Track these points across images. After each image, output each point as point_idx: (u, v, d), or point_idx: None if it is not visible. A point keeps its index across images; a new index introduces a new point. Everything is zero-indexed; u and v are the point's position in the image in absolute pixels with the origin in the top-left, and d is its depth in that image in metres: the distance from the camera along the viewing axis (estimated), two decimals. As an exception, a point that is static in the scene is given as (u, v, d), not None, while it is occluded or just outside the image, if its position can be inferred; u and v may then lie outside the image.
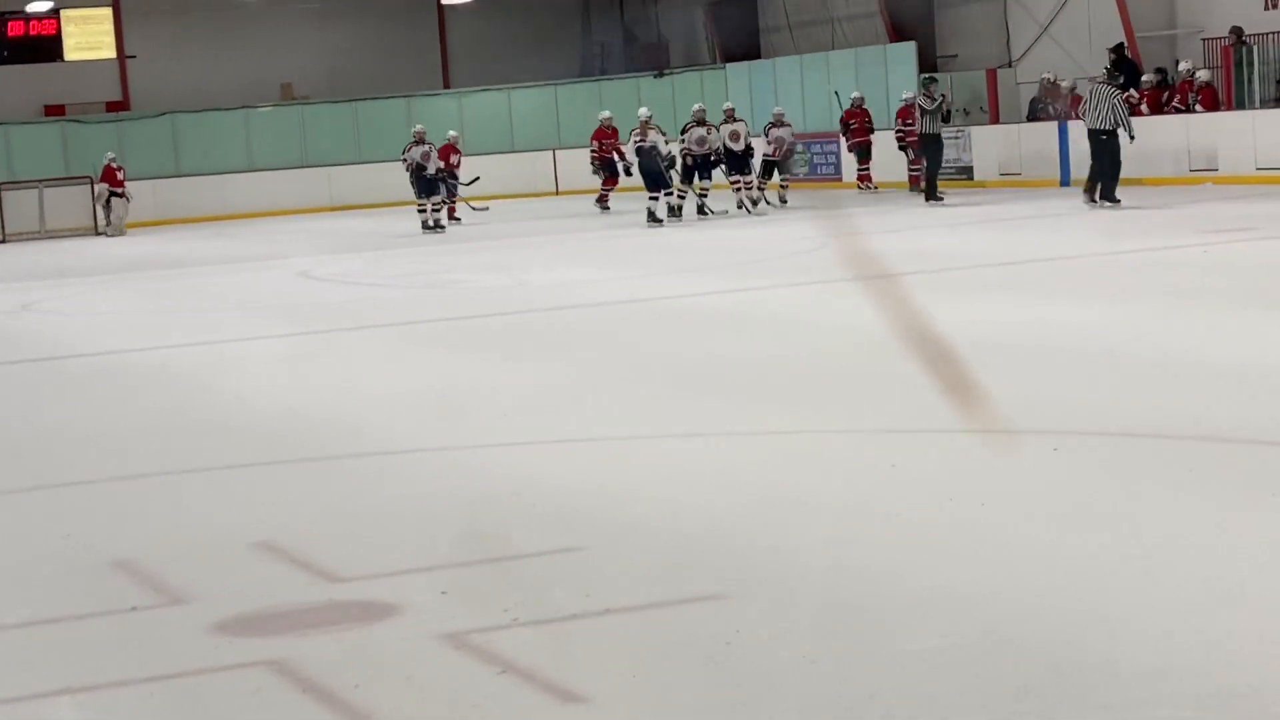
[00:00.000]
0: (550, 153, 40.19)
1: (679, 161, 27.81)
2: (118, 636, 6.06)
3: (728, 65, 40.23)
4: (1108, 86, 24.02)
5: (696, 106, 29.00)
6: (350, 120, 39.90)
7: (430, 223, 28.80)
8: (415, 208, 29.45)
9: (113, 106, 41.09)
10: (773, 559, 6.49)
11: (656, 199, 26.81)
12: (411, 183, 29.42)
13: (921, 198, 28.34)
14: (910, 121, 29.84)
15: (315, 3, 42.58)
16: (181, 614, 6.25)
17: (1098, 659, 5.12)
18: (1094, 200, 23.58)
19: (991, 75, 33.74)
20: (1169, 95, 28.31)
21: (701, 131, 27.79)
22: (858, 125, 32.18)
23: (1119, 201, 23.57)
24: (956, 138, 31.82)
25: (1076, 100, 28.27)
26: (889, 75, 34.44)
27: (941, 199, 27.31)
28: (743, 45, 41.58)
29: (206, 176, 38.30)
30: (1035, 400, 9.55)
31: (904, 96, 30.59)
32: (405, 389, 11.57)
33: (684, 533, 6.97)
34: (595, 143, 32.54)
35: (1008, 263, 17.47)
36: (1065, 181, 29.18)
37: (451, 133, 32.29)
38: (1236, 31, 28.23)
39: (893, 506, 7.21)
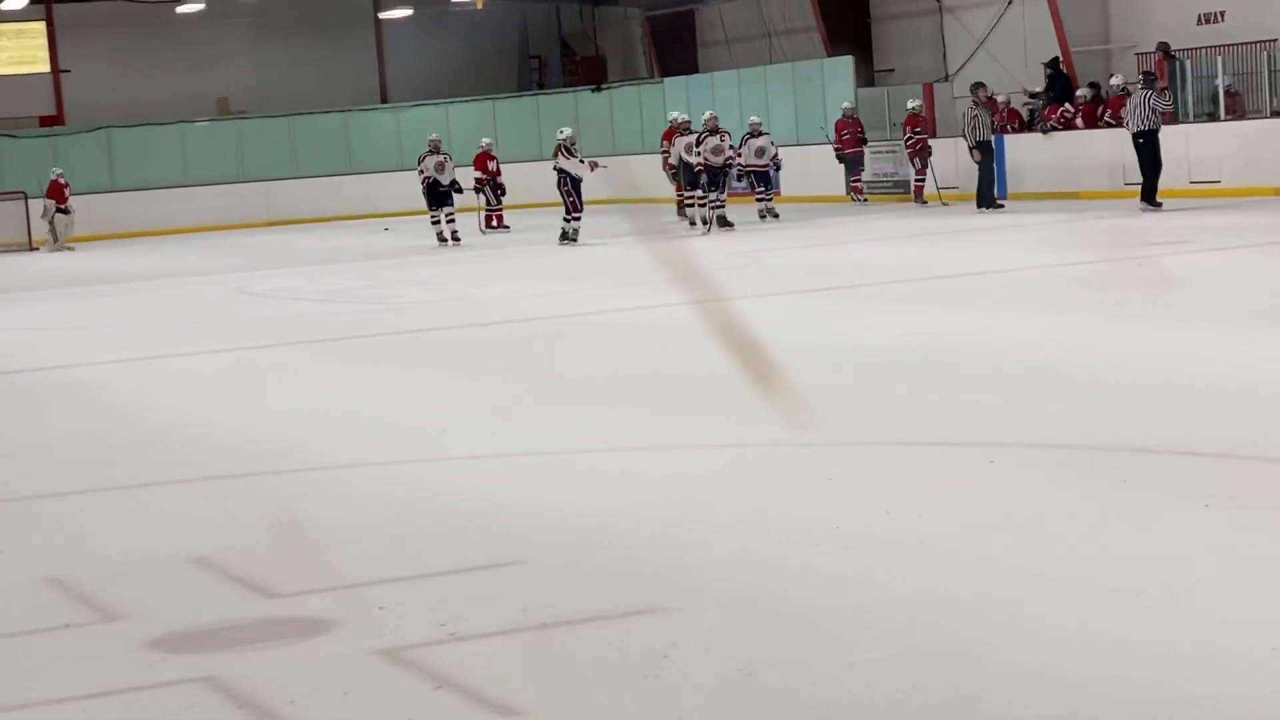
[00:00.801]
0: (488, 167, 40.10)
1: (699, 173, 27.10)
2: (51, 654, 6.01)
3: (666, 80, 40.28)
4: (1142, 90, 24.23)
5: (708, 114, 27.94)
6: (287, 135, 39.77)
7: (445, 235, 27.85)
8: (429, 219, 28.43)
9: (46, 121, 40.86)
10: (710, 572, 6.48)
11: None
12: (424, 194, 28.49)
13: (922, 206, 28.60)
14: (920, 130, 29.74)
15: (252, 18, 42.47)
16: (116, 631, 6.20)
17: (1034, 670, 5.14)
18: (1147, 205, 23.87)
19: (928, 89, 33.88)
20: (1103, 109, 28.49)
21: (716, 140, 27.03)
22: (849, 136, 31.68)
23: (1159, 205, 23.72)
24: (894, 152, 31.95)
25: (1089, 110, 28.25)
26: (826, 89, 34.55)
27: (1002, 206, 26.62)
28: (680, 59, 41.67)
29: (142, 191, 38.10)
30: (972, 413, 9.59)
31: (910, 105, 30.32)
32: (342, 404, 11.52)
33: (621, 546, 6.96)
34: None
35: (944, 276, 17.53)
36: (1002, 195, 29.32)
37: (485, 140, 31.79)
38: (1163, 47, 28.43)
39: (830, 519, 7.22)
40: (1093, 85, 29.40)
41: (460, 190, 28.31)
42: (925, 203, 29.77)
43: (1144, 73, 25.56)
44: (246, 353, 15.02)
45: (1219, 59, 27.76)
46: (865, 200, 31.43)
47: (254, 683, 5.47)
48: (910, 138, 29.86)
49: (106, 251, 32.97)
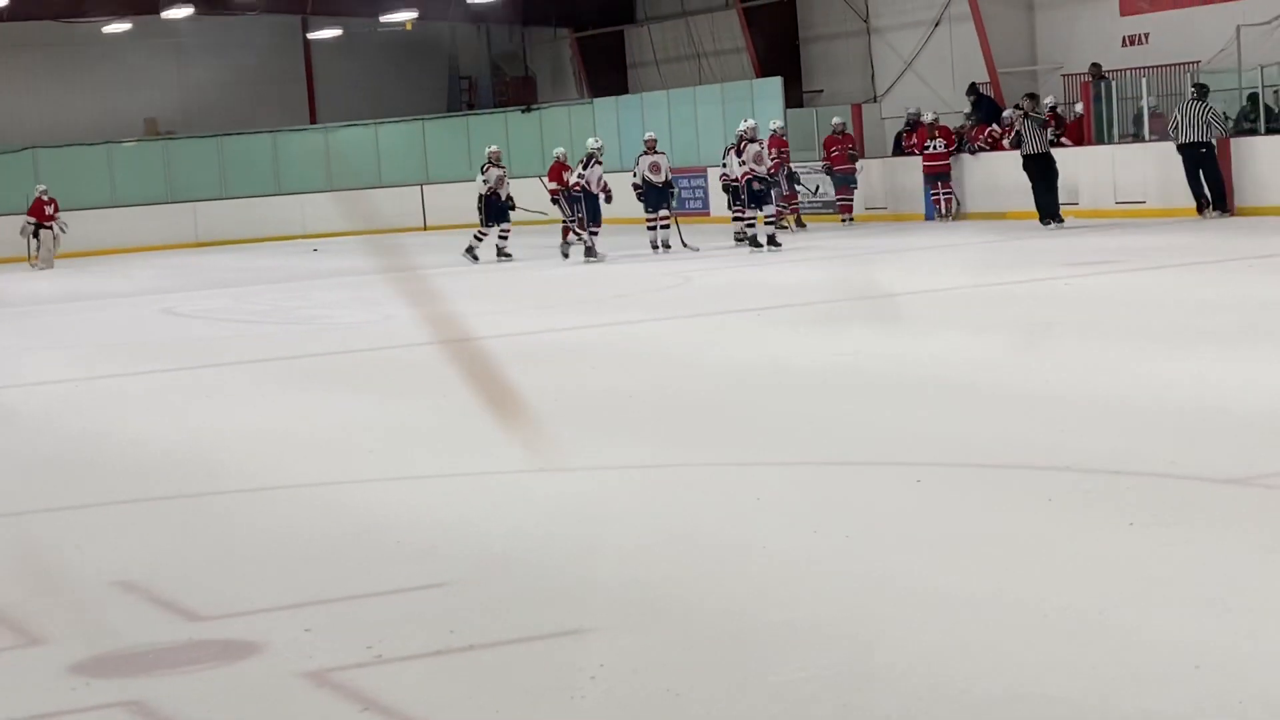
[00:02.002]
0: (418, 188, 40.07)
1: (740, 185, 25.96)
2: (-27, 679, 5.96)
3: (595, 100, 40.33)
4: (1197, 103, 24.44)
5: (750, 123, 26.56)
6: (215, 155, 39.59)
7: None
8: (474, 233, 27.40)
9: (-29, 141, 40.59)
10: (637, 592, 6.48)
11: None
12: (481, 206, 27.37)
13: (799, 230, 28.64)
14: (836, 150, 29.57)
15: (179, 38, 42.26)
16: (39, 655, 6.15)
17: (962, 688, 5.16)
18: (1210, 212, 24.01)
19: (857, 110, 34.04)
20: (744, 145, 28.51)
21: (757, 147, 25.75)
22: (839, 153, 30.93)
23: (1228, 212, 24.04)
24: (823, 173, 32.06)
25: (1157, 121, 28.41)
26: (755, 110, 34.62)
27: (1063, 222, 25.37)
28: (610, 80, 41.73)
29: (69, 212, 37.80)
30: (900, 432, 9.63)
31: (923, 118, 30.20)
32: (269, 425, 11.47)
33: (548, 567, 6.95)
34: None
35: (874, 296, 17.60)
36: (929, 216, 29.50)
37: (559, 150, 31.36)
38: (1095, 69, 28.67)
39: (758, 538, 7.23)
40: (1018, 106, 29.57)
41: (514, 207, 27.52)
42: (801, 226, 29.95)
43: (1197, 84, 25.53)
44: (174, 374, 14.95)
45: (1144, 80, 28.00)
46: (851, 221, 30.63)
47: (179, 706, 5.43)
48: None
49: (33, 272, 32.75)
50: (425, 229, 39.26)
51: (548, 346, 15.00)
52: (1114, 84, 28.79)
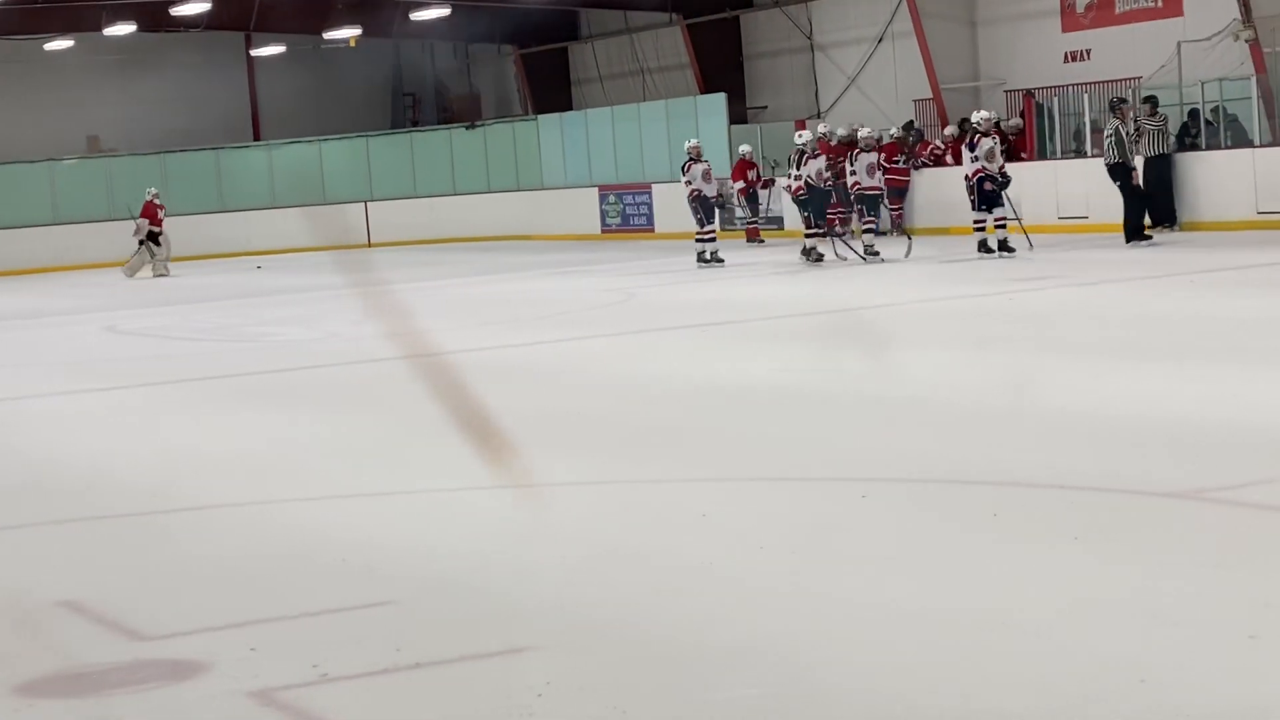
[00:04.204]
0: (362, 205, 39.99)
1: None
2: (-86, 701, 5.90)
3: (540, 116, 40.35)
4: (1158, 116, 24.49)
5: (825, 128, 26.32)
6: (158, 172, 39.41)
7: (708, 255, 25.58)
8: (697, 238, 25.98)
9: (-87, 159, 40.35)
10: (584, 610, 6.47)
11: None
12: (694, 207, 26.03)
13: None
14: (897, 159, 29.14)
15: (122, 55, 42.09)
16: (-19, 676, 6.10)
17: (911, 704, 5.16)
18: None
19: (801, 126, 34.09)
20: (805, 160, 28.59)
21: (870, 157, 24.88)
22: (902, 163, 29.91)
23: (1147, 239, 23.06)
24: (766, 189, 32.15)
25: (956, 146, 28.29)
26: (700, 126, 34.71)
27: (1150, 238, 23.39)
28: (554, 97, 41.76)
29: (10, 230, 37.66)
30: (844, 448, 9.65)
31: (741, 150, 30.25)
32: (213, 444, 11.42)
33: (495, 585, 6.93)
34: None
35: (816, 312, 17.64)
36: (876, 230, 29.54)
37: (745, 147, 30.48)
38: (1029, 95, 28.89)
39: (704, 555, 7.23)
40: (963, 122, 29.70)
41: (724, 205, 26.67)
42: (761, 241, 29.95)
43: (1147, 98, 25.67)
44: (117, 392, 14.86)
45: (1085, 96, 28.18)
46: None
47: (123, 727, 5.40)
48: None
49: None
50: (369, 245, 39.18)
51: (490, 364, 14.97)
52: (1055, 100, 28.97)
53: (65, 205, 38.76)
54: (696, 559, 7.18)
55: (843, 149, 29.22)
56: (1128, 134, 23.85)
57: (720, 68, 37.22)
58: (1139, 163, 24.16)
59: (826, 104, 35.39)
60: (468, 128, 41.62)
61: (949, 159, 28.62)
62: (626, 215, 36.01)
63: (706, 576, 6.90)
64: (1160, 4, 28.76)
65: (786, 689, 5.38)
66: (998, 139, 23.79)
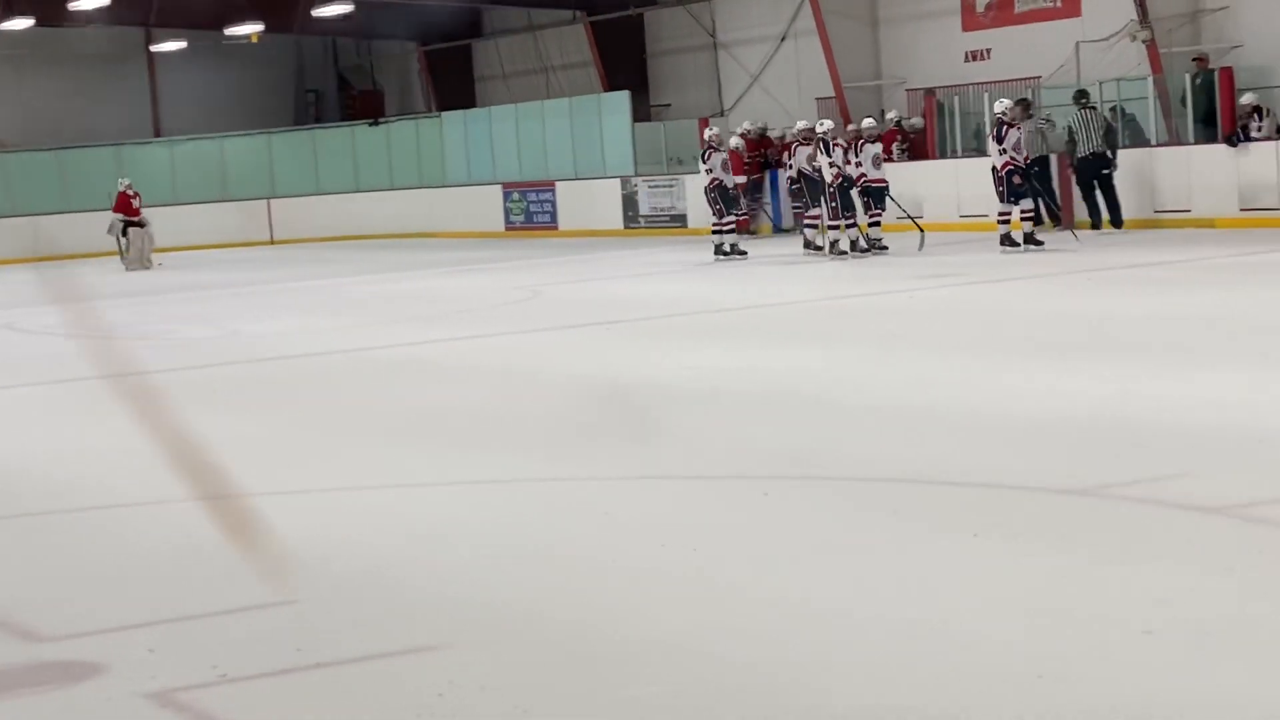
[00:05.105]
0: (265, 201, 39.74)
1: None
2: None
3: (443, 114, 40.24)
4: (1089, 110, 24.60)
5: (868, 121, 24.95)
6: (55, 169, 39.00)
7: (726, 247, 24.94)
8: (714, 228, 25.38)
9: None
10: (487, 609, 6.45)
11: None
12: (713, 198, 25.31)
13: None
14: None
15: (19, 50, 41.58)
16: (-126, 680, 6.02)
17: (812, 701, 5.18)
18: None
19: (704, 124, 34.16)
20: (795, 149, 28.74)
21: (1016, 134, 23.05)
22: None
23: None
24: (671, 186, 32.22)
25: (783, 148, 28.43)
26: (603, 124, 34.75)
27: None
28: (458, 93, 41.65)
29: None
30: (747, 445, 9.67)
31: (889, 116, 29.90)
32: (112, 442, 11.29)
33: (398, 584, 6.91)
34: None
35: (723, 310, 17.68)
36: (778, 227, 29.69)
37: (748, 122, 29.47)
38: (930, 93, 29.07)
39: (607, 553, 7.23)
40: (863, 121, 29.83)
41: (739, 198, 25.83)
42: None
43: (1081, 91, 25.84)
44: (14, 391, 14.70)
45: (985, 95, 28.37)
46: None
47: (19, 730, 5.34)
48: None
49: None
50: (272, 243, 38.95)
51: (394, 362, 14.92)
52: (956, 99, 29.17)
53: (-40, 201, 38.31)
54: (600, 557, 7.18)
55: (753, 146, 29.42)
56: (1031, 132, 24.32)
57: (624, 66, 37.23)
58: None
59: (730, 102, 35.48)
60: (371, 125, 41.45)
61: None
62: (530, 213, 35.97)
63: (609, 574, 6.90)
64: (1059, 4, 29.01)
65: (689, 686, 5.39)
66: (1026, 131, 23.38)
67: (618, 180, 33.64)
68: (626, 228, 33.13)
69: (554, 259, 28.06)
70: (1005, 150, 22.70)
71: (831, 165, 23.61)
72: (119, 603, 6.90)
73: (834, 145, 23.76)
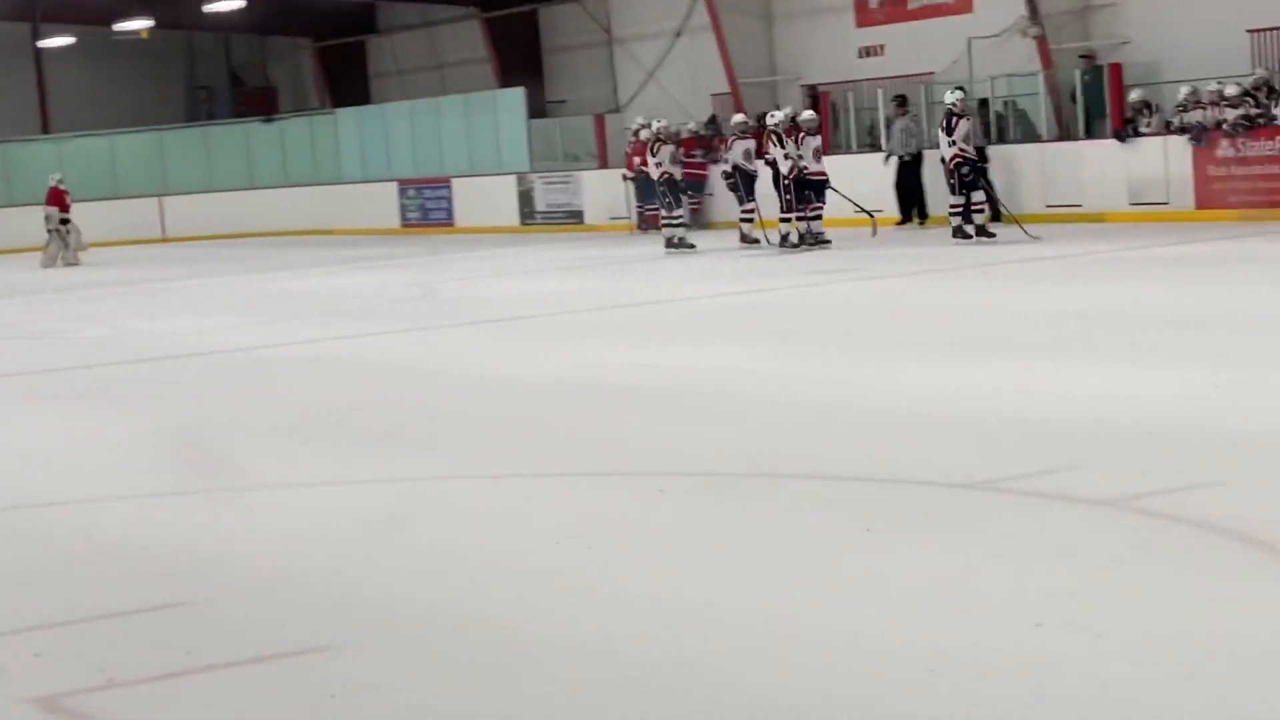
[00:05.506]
0: (156, 199, 39.36)
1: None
2: None
3: (338, 110, 40.03)
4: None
5: (808, 114, 24.50)
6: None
7: (676, 240, 24.68)
8: (663, 221, 25.32)
9: None
10: (382, 609, 6.41)
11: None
12: (662, 190, 25.08)
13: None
14: (695, 153, 28.82)
15: (-95, 46, 41.05)
16: None
17: (709, 697, 5.18)
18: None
19: (599, 120, 34.23)
20: (731, 142, 28.85)
21: (967, 124, 22.90)
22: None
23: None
24: (567, 183, 32.20)
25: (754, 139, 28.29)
26: (499, 121, 34.68)
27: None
28: (352, 90, 41.45)
29: None
30: (642, 442, 9.67)
31: (691, 127, 29.82)
32: (3, 444, 11.17)
33: (291, 585, 6.85)
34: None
35: (616, 306, 17.68)
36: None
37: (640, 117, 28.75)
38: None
39: (504, 551, 7.20)
40: (760, 117, 29.95)
41: (686, 190, 25.36)
42: None
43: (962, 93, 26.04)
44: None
45: (879, 91, 28.52)
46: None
47: (-98, 737, 5.26)
48: None
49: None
50: (164, 240, 38.60)
51: (288, 360, 14.82)
52: (850, 95, 29.30)
53: None
54: (496, 554, 7.16)
55: (641, 146, 29.34)
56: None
57: (519, 62, 37.18)
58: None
59: (625, 98, 35.49)
60: (264, 121, 41.18)
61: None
62: (426, 209, 35.85)
63: (506, 572, 6.87)
64: (952, 0, 29.20)
65: (587, 683, 5.38)
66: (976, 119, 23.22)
67: (514, 177, 33.59)
68: (523, 224, 33.09)
69: (450, 256, 27.98)
70: (955, 142, 22.60)
71: (787, 157, 23.41)
72: (5, 607, 6.80)
73: (787, 137, 23.54)
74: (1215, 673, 5.12)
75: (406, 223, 36.27)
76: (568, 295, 19.31)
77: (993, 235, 22.36)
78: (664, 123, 26.27)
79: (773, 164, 23.72)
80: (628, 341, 14.60)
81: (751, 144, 24.84)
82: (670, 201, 25.00)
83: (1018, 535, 6.94)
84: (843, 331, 14.45)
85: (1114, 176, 24.30)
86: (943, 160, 22.96)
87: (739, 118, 25.77)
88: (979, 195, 22.68)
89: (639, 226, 29.42)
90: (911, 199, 26.24)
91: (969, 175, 22.58)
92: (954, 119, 22.69)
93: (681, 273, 21.66)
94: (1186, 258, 19.04)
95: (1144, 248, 19.98)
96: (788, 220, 23.55)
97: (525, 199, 33.16)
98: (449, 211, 35.19)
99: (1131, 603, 5.86)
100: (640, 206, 29.32)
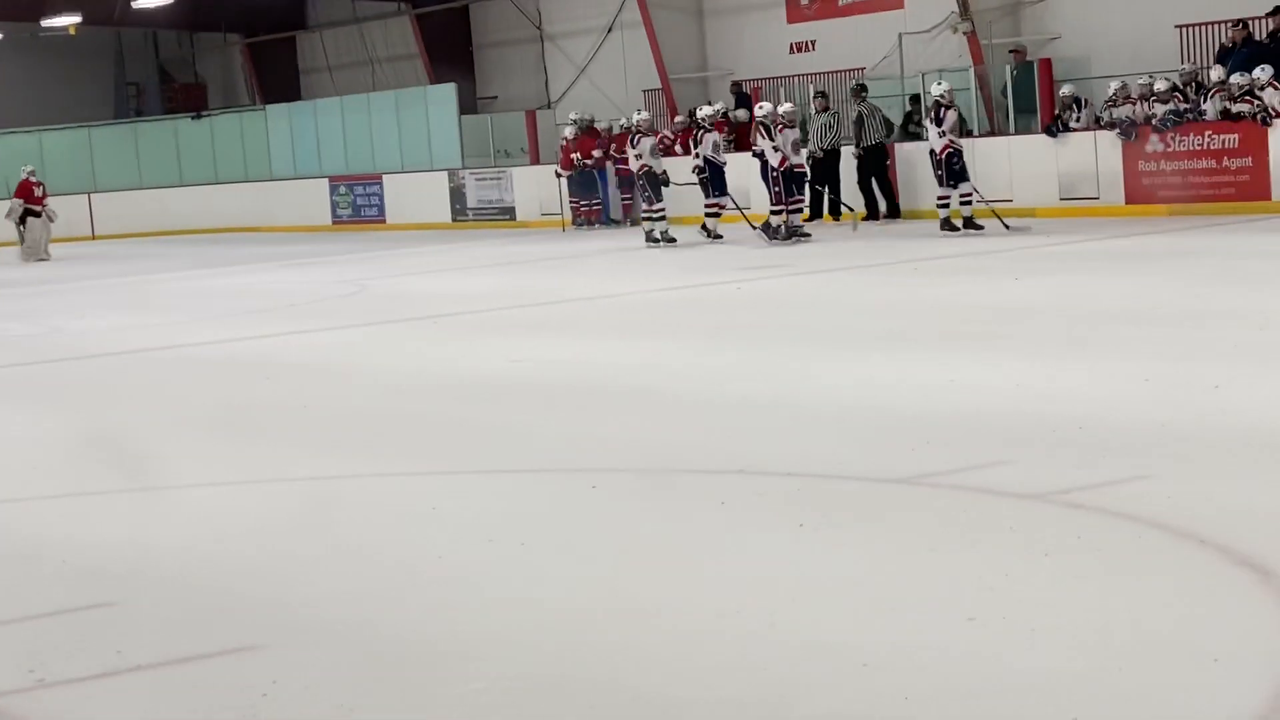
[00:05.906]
0: (85, 196, 39.07)
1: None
2: None
3: (268, 107, 39.84)
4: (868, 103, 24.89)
5: (786, 105, 24.15)
6: None
7: (657, 234, 24.48)
8: (645, 215, 25.02)
9: None
10: (311, 607, 6.38)
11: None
12: (642, 185, 25.05)
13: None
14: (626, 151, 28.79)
15: None
16: None
17: (638, 695, 5.17)
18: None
19: (531, 116, 34.20)
20: (700, 136, 28.98)
21: (953, 115, 22.87)
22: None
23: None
24: (499, 179, 32.14)
25: (684, 137, 28.22)
26: (430, 117, 34.60)
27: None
28: (282, 86, 41.27)
29: None
30: (574, 438, 9.65)
31: (622, 123, 29.62)
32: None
33: (220, 584, 6.81)
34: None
35: (547, 302, 17.66)
36: (605, 219, 29.71)
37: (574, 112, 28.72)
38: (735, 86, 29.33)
39: (432, 549, 7.18)
40: (691, 112, 29.96)
41: (668, 184, 25.01)
42: None
43: (858, 85, 26.33)
44: None
45: (811, 87, 28.58)
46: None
47: None
48: None
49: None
50: (94, 238, 38.32)
51: (215, 358, 14.73)
52: (781, 90, 29.34)
53: None
54: (427, 552, 7.13)
55: (590, 140, 29.36)
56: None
57: (449, 58, 37.10)
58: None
59: (557, 94, 35.46)
60: (194, 118, 40.94)
61: (678, 149, 28.79)
62: (357, 206, 35.73)
63: (436, 570, 6.85)
64: (882, -4, 29.32)
65: (516, 683, 5.36)
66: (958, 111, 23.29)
67: (445, 173, 33.51)
68: (455, 220, 33.01)
69: (381, 253, 27.88)
70: (944, 133, 22.51)
71: (776, 149, 23.27)
72: (-68, 608, 6.74)
73: (776, 128, 23.42)
74: (1147, 664, 5.14)
75: (337, 220, 36.14)
76: (500, 292, 19.27)
77: (980, 227, 22.30)
78: (644, 115, 26.30)
79: (760, 156, 23.69)
80: (559, 338, 14.57)
81: (719, 136, 24.85)
82: (650, 195, 24.87)
83: (950, 530, 6.95)
84: (775, 326, 14.45)
85: (1045, 172, 24.42)
86: (932, 152, 22.89)
87: (706, 110, 25.64)
88: (967, 187, 22.63)
89: (573, 222, 29.45)
90: (822, 195, 26.25)
91: (958, 166, 22.53)
92: (942, 110, 22.60)
93: (615, 268, 21.64)
94: (1117, 252, 19.15)
95: (1074, 242, 20.08)
96: (778, 213, 23.41)
97: (457, 195, 33.09)
98: (381, 208, 35.09)
99: (1063, 596, 5.88)
100: (575, 202, 29.34)
